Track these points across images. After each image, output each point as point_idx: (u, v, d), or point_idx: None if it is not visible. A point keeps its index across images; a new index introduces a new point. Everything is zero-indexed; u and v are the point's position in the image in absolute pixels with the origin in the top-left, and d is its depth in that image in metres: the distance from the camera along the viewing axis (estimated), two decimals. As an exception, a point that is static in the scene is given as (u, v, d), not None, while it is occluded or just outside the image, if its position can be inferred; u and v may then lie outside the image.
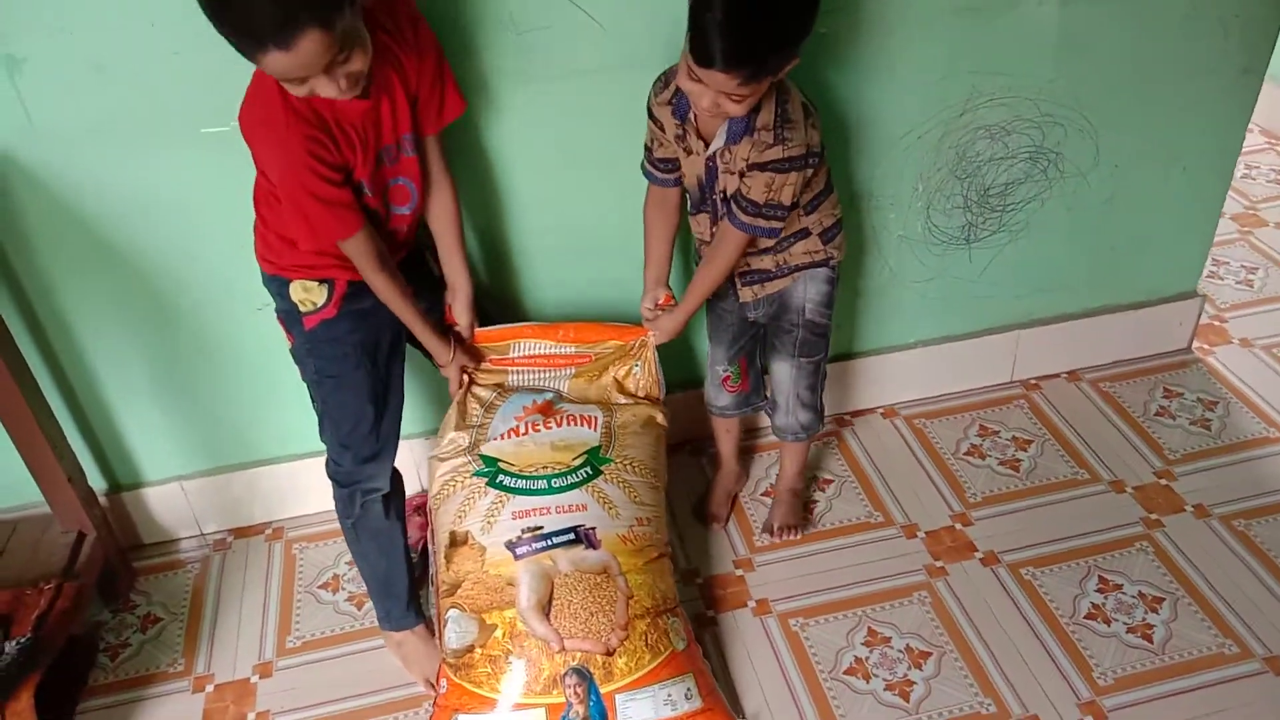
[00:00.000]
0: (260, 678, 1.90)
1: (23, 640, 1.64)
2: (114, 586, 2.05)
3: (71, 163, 1.72)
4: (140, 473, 2.11)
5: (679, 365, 2.22)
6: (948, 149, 2.06)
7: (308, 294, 1.60)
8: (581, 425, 1.88)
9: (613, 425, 1.88)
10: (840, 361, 2.30)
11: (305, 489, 2.17)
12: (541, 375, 1.94)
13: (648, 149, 1.77)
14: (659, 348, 1.92)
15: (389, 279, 1.60)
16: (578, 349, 1.93)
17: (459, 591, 1.73)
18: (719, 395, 2.06)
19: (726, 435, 2.15)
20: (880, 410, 2.40)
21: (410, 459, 2.18)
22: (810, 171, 1.67)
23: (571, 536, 1.73)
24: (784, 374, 1.97)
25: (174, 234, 1.83)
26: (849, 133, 1.99)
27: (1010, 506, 2.13)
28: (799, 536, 2.09)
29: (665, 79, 1.69)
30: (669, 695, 1.66)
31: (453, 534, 1.78)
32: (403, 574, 1.84)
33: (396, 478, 1.80)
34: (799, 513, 2.12)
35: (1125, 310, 2.43)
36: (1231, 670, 1.79)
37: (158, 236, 1.82)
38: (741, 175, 1.65)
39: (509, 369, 1.92)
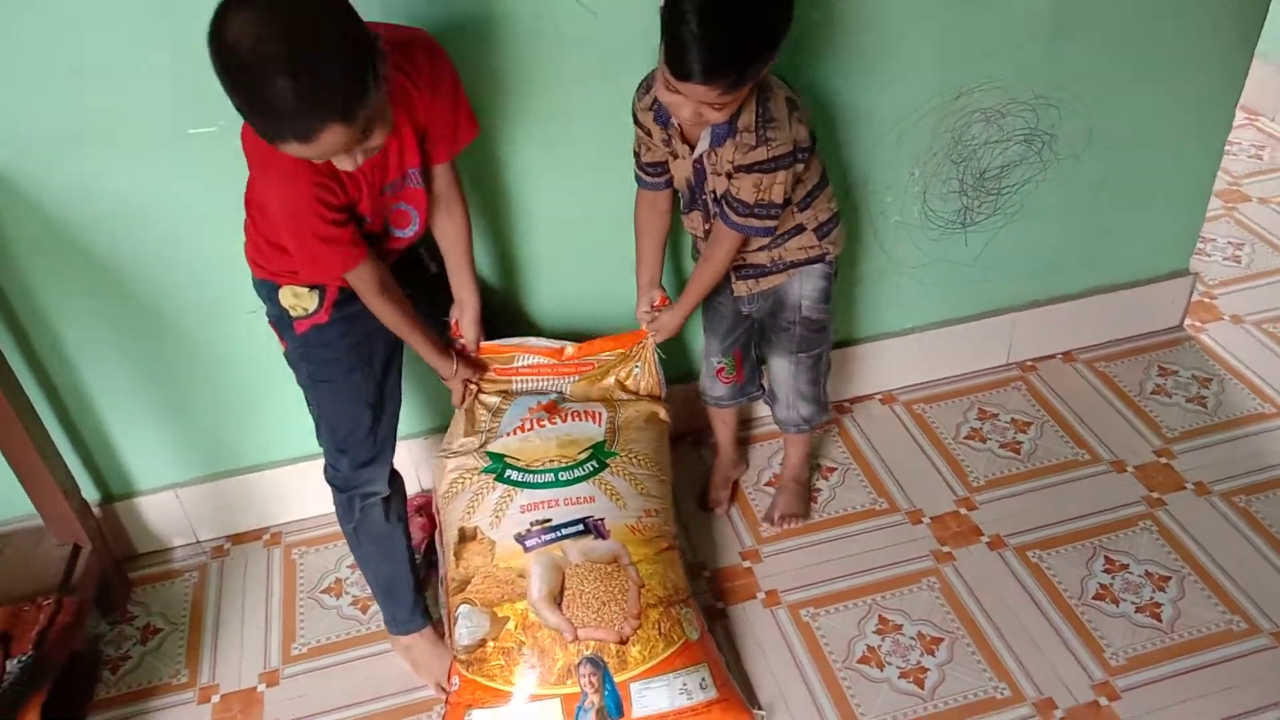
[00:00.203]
0: (267, 686, 1.87)
1: (24, 658, 1.60)
2: (111, 598, 2.01)
3: (53, 168, 1.67)
4: (133, 482, 2.07)
5: (677, 358, 2.20)
6: (943, 133, 2.06)
7: (298, 299, 1.56)
8: (587, 420, 1.91)
9: (616, 421, 1.90)
10: (838, 349, 2.29)
11: (301, 493, 2.13)
12: (545, 382, 1.95)
13: (636, 154, 1.77)
14: (658, 346, 1.93)
15: (392, 305, 1.59)
16: (580, 360, 1.95)
17: (469, 587, 1.72)
18: (714, 386, 2.05)
19: (723, 424, 2.14)
20: (879, 396, 2.39)
21: (409, 459, 2.15)
22: (800, 167, 1.65)
23: (581, 528, 1.73)
24: (783, 370, 1.96)
25: (162, 238, 1.78)
26: (844, 120, 1.98)
27: (1013, 489, 2.14)
28: (800, 525, 2.08)
29: (647, 84, 1.67)
30: (684, 684, 1.65)
31: (461, 530, 1.78)
32: (407, 577, 1.81)
33: (397, 480, 1.78)
34: (801, 501, 2.11)
35: (1118, 290, 2.44)
36: (1241, 646, 1.80)
37: (145, 241, 1.78)
38: (730, 176, 1.63)
39: (513, 378, 1.93)
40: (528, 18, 1.72)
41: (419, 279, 1.72)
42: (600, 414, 1.91)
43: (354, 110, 1.25)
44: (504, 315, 2.00)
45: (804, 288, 1.84)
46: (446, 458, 1.87)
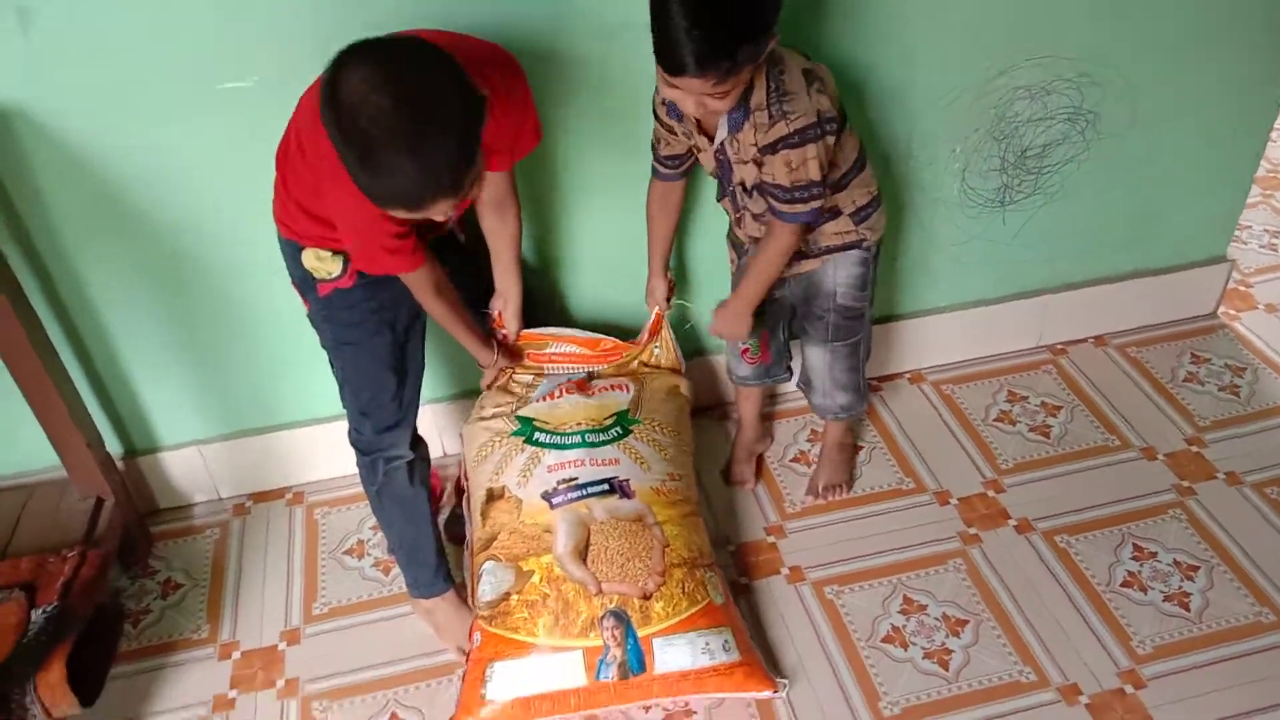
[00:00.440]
0: (288, 645, 1.87)
1: (50, 609, 1.59)
2: (133, 552, 2.01)
3: (85, 119, 1.65)
4: (156, 437, 2.06)
5: (701, 333, 2.19)
6: (986, 109, 2.02)
7: (321, 263, 1.54)
8: (615, 391, 1.97)
9: (642, 393, 1.97)
10: (868, 326, 2.27)
11: (325, 453, 2.12)
12: (576, 368, 2.02)
13: (654, 146, 1.75)
14: (677, 327, 1.99)
15: (446, 306, 1.64)
16: (612, 349, 2.03)
17: (494, 544, 1.75)
18: (739, 365, 2.02)
19: (747, 400, 2.11)
20: (908, 375, 2.37)
21: (434, 424, 2.14)
22: (832, 140, 1.59)
23: (606, 487, 1.78)
24: (818, 359, 1.93)
25: (192, 192, 1.76)
26: (886, 94, 1.94)
27: (1042, 473, 2.12)
28: (845, 495, 2.06)
29: None
30: (706, 644, 1.65)
31: (489, 490, 1.82)
32: (430, 540, 1.80)
33: (421, 445, 1.77)
34: (844, 470, 2.08)
35: (1154, 275, 2.40)
36: (1270, 639, 1.78)
37: (175, 194, 1.76)
38: (758, 164, 1.60)
39: (545, 365, 2.00)
40: (576, 16, 1.71)
41: (448, 250, 1.70)
42: (627, 385, 1.99)
43: (464, 181, 1.26)
44: (539, 305, 2.02)
45: (839, 274, 1.81)
46: (477, 423, 1.91)
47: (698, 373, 2.23)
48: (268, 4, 1.59)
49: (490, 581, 1.70)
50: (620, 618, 1.64)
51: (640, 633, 1.64)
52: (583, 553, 1.70)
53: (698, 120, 1.62)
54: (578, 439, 1.85)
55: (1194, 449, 2.15)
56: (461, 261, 1.74)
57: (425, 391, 2.07)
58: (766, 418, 2.21)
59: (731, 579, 1.92)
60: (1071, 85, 2.03)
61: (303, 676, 1.81)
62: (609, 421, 1.90)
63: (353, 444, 1.74)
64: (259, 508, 2.14)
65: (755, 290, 1.77)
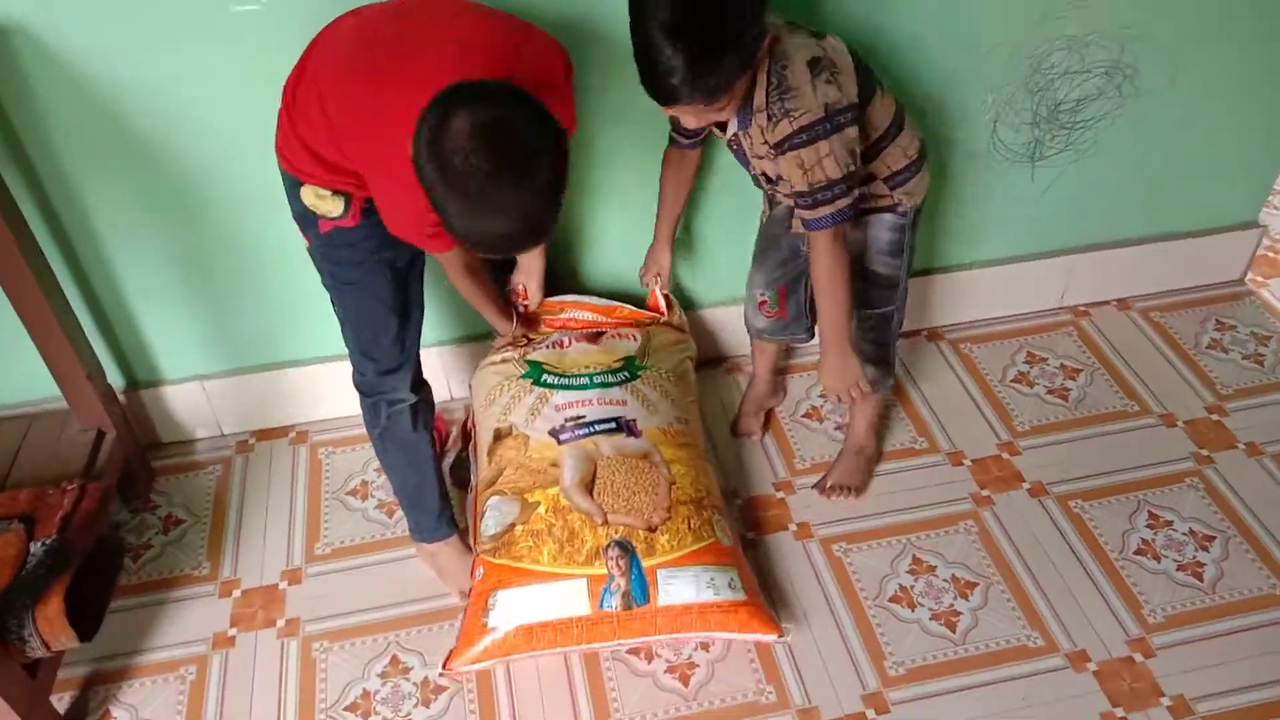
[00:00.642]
0: (289, 584, 1.85)
1: (49, 542, 1.57)
2: (134, 486, 1.99)
3: (89, 37, 1.58)
4: (159, 370, 2.03)
5: (716, 284, 2.15)
6: (1023, 60, 1.94)
7: (320, 201, 1.48)
8: (622, 339, 1.98)
9: (648, 344, 1.98)
10: (887, 280, 2.21)
11: (330, 392, 2.09)
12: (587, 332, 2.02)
13: (672, 119, 1.70)
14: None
15: (475, 284, 1.68)
16: (626, 318, 2.05)
17: (500, 479, 1.75)
18: (756, 317, 1.96)
19: (761, 354, 2.07)
20: (925, 333, 2.32)
21: (441, 366, 2.11)
22: (852, 131, 1.48)
23: (614, 425, 1.80)
24: None
25: (200, 120, 1.71)
26: (921, 40, 1.87)
27: (1058, 436, 2.08)
28: (854, 499, 1.95)
29: None
30: (712, 579, 1.64)
31: (496, 430, 1.83)
32: (433, 485, 1.78)
33: (424, 388, 1.74)
34: (858, 474, 1.97)
35: (1182, 238, 2.34)
36: (1284, 612, 1.76)
37: (183, 121, 1.70)
38: (775, 160, 1.53)
39: (559, 330, 2.01)
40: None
41: None
42: (634, 335, 2.00)
43: (553, 229, 1.31)
44: (559, 279, 2.02)
45: (869, 236, 1.73)
46: (486, 369, 1.92)
47: (703, 326, 2.19)
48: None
49: (494, 515, 1.70)
50: (625, 548, 1.64)
51: (645, 563, 1.63)
52: (589, 486, 1.71)
53: None
54: (585, 380, 1.87)
55: (1214, 417, 2.11)
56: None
57: (433, 334, 2.06)
58: (780, 371, 2.17)
59: (740, 533, 1.89)
60: (1112, 38, 1.95)
61: (303, 616, 1.79)
62: (617, 365, 1.92)
63: (355, 385, 1.71)
64: (262, 445, 2.11)
65: (836, 326, 1.63)
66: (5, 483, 1.74)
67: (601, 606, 1.60)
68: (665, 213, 1.89)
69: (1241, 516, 1.91)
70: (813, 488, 1.99)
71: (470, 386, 1.99)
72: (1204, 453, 2.04)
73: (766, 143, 1.49)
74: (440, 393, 2.14)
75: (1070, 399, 2.16)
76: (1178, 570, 1.83)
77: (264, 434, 2.13)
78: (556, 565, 1.63)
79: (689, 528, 1.69)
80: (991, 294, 2.31)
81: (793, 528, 1.92)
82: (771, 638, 1.66)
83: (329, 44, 1.43)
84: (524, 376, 1.89)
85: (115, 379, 1.99)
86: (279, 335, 2.03)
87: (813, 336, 1.98)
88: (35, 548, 1.56)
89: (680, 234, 1.99)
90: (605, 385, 1.87)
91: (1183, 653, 1.70)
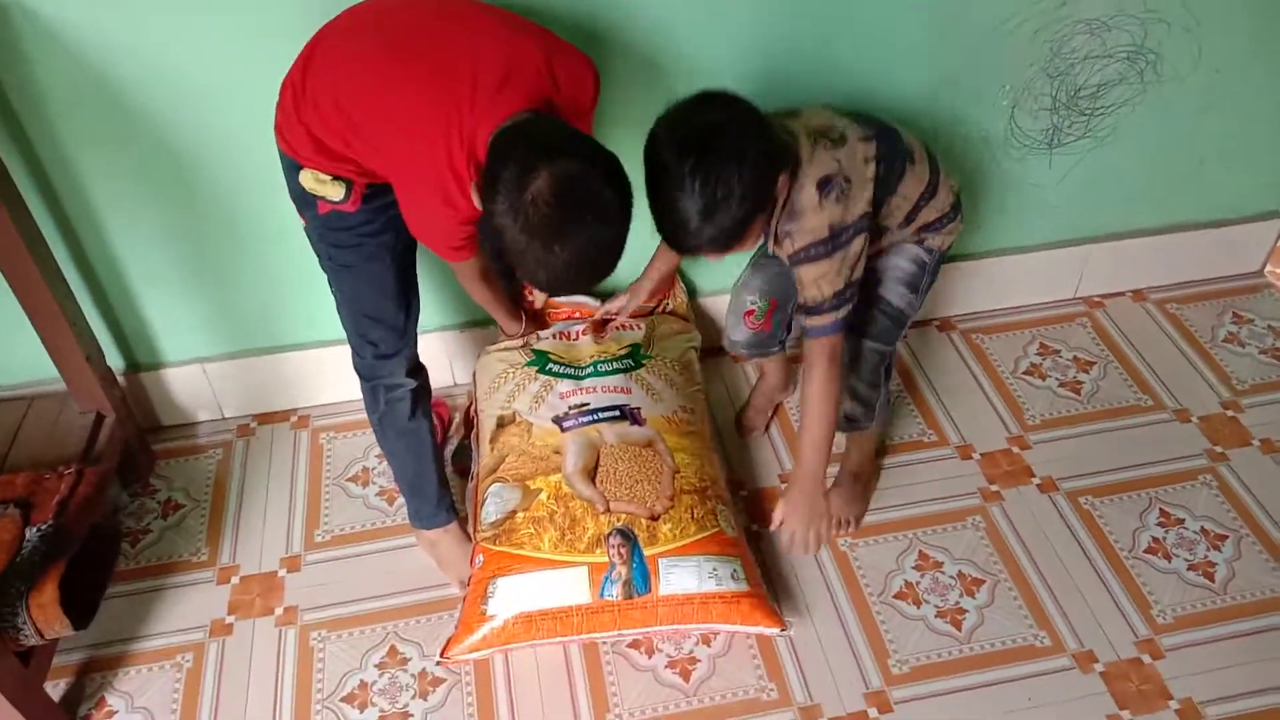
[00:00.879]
0: (288, 571, 1.83)
1: (45, 527, 1.55)
2: (133, 469, 1.97)
3: (88, 16, 1.55)
4: (160, 353, 2.01)
5: (727, 270, 2.10)
6: (1043, 43, 1.89)
7: (320, 185, 1.46)
8: (629, 329, 1.98)
9: (653, 333, 1.98)
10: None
11: (332, 376, 2.06)
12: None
13: None
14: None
15: (488, 290, 1.70)
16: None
17: (502, 466, 1.74)
18: (737, 329, 1.85)
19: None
20: (936, 323, 2.28)
21: (444, 351, 2.09)
22: (859, 244, 1.48)
23: (617, 413, 1.78)
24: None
25: (199, 101, 1.67)
26: (939, 19, 1.82)
27: (1070, 431, 2.04)
28: (851, 530, 1.86)
29: None
30: (714, 569, 1.62)
31: (499, 418, 1.81)
32: (432, 471, 1.76)
33: (421, 372, 1.72)
34: (855, 502, 1.88)
35: (1201, 228, 2.29)
36: (1297, 615, 1.73)
37: (181, 103, 1.67)
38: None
39: (563, 320, 2.01)
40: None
41: None
42: (638, 324, 1.99)
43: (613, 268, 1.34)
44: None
45: (890, 264, 1.68)
46: (491, 355, 1.92)
47: (709, 314, 2.16)
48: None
49: (496, 503, 1.69)
50: (627, 536, 1.62)
51: (647, 552, 1.61)
52: (591, 473, 1.69)
53: None
54: (590, 368, 1.86)
55: (1229, 413, 2.07)
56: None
57: (437, 319, 2.04)
58: (794, 360, 2.13)
59: (744, 525, 1.87)
60: (1135, 21, 1.90)
61: (301, 605, 1.78)
62: (622, 353, 1.91)
63: (355, 369, 1.69)
64: (263, 429, 2.09)
65: (820, 449, 1.58)
66: (3, 465, 1.73)
67: (602, 595, 1.59)
68: (651, 272, 1.90)
69: (1255, 515, 1.88)
70: None
71: (474, 372, 1.96)
72: (1218, 449, 2.00)
73: (781, 253, 1.51)
74: (444, 378, 2.12)
75: (1083, 392, 2.12)
76: (1189, 570, 1.80)
77: (265, 418, 2.11)
78: (557, 553, 1.62)
79: (692, 517, 1.67)
80: (1005, 283, 2.27)
81: (798, 520, 1.89)
82: (774, 631, 1.64)
83: (346, 38, 1.41)
84: (529, 364, 1.87)
85: (115, 361, 1.96)
86: (281, 318, 2.01)
87: (784, 349, 1.93)
88: (31, 533, 1.55)
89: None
90: (610, 373, 1.86)
91: (1192, 655, 1.67)
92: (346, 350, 1.70)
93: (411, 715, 1.62)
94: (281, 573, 1.83)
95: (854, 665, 1.67)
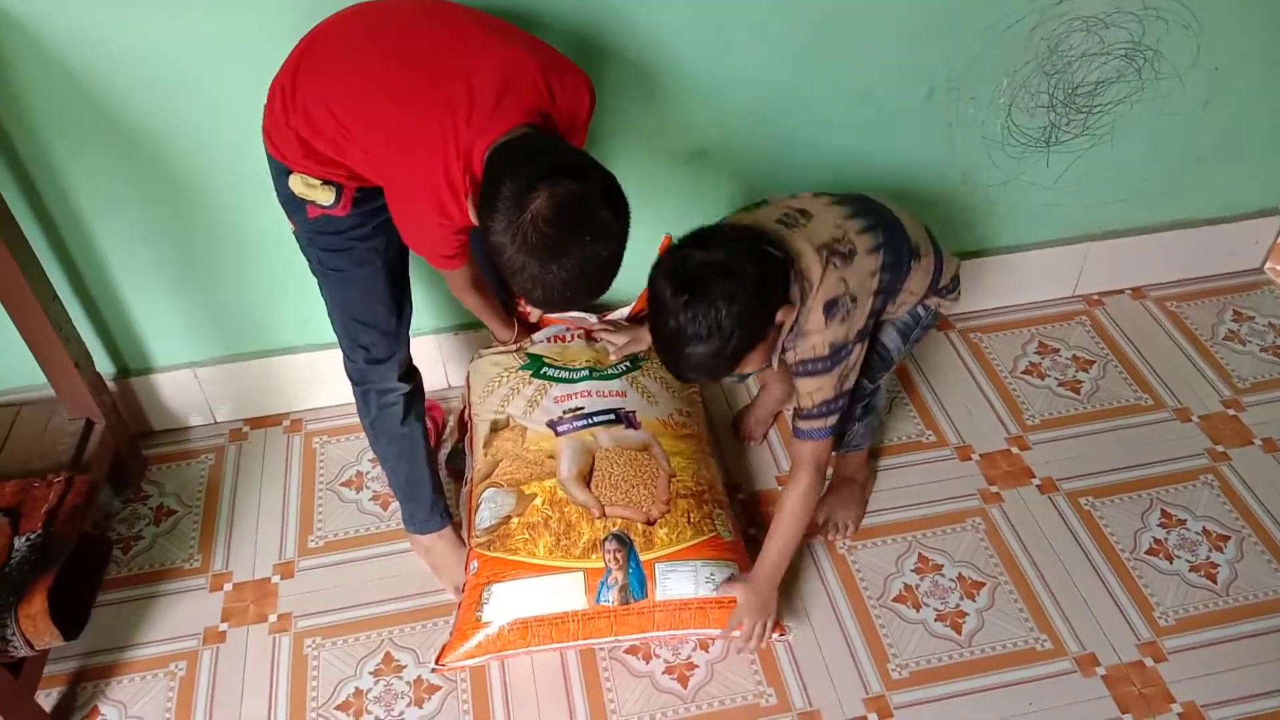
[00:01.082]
0: (281, 578, 1.82)
1: (33, 537, 1.53)
2: (125, 475, 1.95)
3: (71, 15, 1.53)
4: (150, 358, 1.98)
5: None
6: (1039, 40, 1.87)
7: (310, 189, 1.44)
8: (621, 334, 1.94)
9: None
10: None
11: (325, 380, 2.04)
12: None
13: None
14: None
15: (479, 298, 1.69)
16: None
17: (496, 471, 1.72)
18: None
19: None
20: (934, 322, 2.26)
21: (439, 354, 2.07)
22: (856, 354, 1.51)
23: (612, 417, 1.77)
24: None
25: (186, 100, 1.65)
26: (935, 17, 1.80)
27: (1070, 431, 2.02)
28: (850, 534, 1.85)
29: None
30: (711, 573, 1.61)
31: (493, 422, 1.80)
32: (425, 476, 1.74)
33: (414, 376, 1.70)
34: (852, 506, 1.86)
35: (1200, 225, 2.27)
36: (1300, 616, 1.71)
37: (170, 105, 1.65)
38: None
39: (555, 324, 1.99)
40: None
41: None
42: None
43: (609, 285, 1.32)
44: None
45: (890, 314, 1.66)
46: (484, 359, 1.90)
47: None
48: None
49: (490, 508, 1.67)
50: (623, 541, 1.60)
51: (643, 557, 1.60)
52: (587, 478, 1.68)
53: None
54: (585, 372, 1.84)
55: (1230, 412, 2.06)
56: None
57: (431, 322, 2.02)
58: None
59: (741, 529, 1.85)
60: (1134, 18, 1.88)
61: (295, 612, 1.76)
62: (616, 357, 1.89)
63: (346, 373, 1.67)
64: (256, 434, 2.07)
65: (785, 554, 1.60)
66: (-8, 473, 1.71)
67: (598, 601, 1.57)
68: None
69: (1257, 516, 1.86)
70: None
71: (467, 376, 1.94)
72: (1219, 449, 1.98)
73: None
74: (438, 381, 2.11)
75: (1082, 391, 2.10)
76: (1191, 571, 1.78)
77: (258, 422, 2.09)
78: (553, 558, 1.60)
79: (688, 521, 1.65)
80: (1003, 282, 2.25)
81: (796, 523, 1.88)
82: (773, 635, 1.63)
83: (338, 42, 1.39)
84: (523, 368, 1.85)
85: (105, 366, 1.95)
86: (274, 320, 1.99)
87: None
88: (19, 543, 1.53)
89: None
90: (605, 377, 1.84)
91: (1195, 657, 1.66)
92: (339, 354, 1.68)
93: (407, 723, 1.61)
94: (275, 579, 1.81)
95: (853, 670, 1.66)
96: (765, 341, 1.42)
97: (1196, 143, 2.11)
